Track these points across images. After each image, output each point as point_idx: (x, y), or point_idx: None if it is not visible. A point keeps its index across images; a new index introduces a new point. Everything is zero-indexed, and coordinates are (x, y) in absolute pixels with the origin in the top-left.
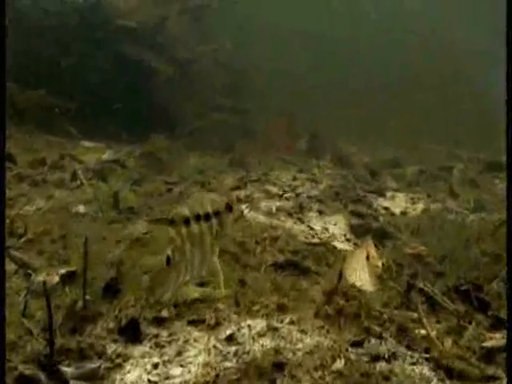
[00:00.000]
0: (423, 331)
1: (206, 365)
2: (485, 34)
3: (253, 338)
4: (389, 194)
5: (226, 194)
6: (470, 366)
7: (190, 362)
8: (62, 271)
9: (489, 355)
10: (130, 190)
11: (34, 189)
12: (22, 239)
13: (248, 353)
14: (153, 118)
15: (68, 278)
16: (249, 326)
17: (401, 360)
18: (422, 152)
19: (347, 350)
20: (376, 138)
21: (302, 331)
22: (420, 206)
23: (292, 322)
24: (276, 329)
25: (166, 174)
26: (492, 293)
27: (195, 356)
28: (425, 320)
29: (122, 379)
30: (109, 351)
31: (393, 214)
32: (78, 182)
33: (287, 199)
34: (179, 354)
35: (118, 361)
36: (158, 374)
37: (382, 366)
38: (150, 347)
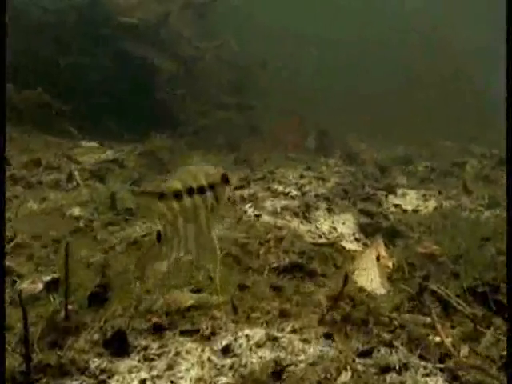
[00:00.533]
0: (437, 338)
1: (198, 380)
2: (485, 32)
3: (250, 349)
4: (399, 191)
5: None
6: (489, 377)
7: (182, 377)
8: (47, 278)
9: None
10: (128, 190)
11: (28, 191)
12: (11, 244)
13: (245, 366)
14: (156, 117)
15: (54, 286)
16: (247, 335)
17: (413, 371)
18: (434, 148)
19: (354, 361)
20: (386, 135)
21: (305, 340)
22: (432, 204)
23: (294, 331)
24: (276, 338)
25: (166, 173)
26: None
27: (187, 370)
28: (438, 326)
29: None
30: (92, 366)
31: (404, 212)
32: (74, 183)
33: (293, 198)
34: (170, 368)
35: (102, 377)
36: None
37: (392, 377)
38: (138, 361)
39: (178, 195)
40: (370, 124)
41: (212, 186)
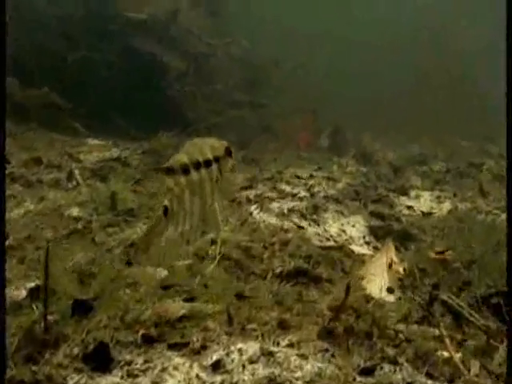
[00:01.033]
0: (446, 353)
1: None
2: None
3: (243, 365)
4: (413, 192)
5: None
6: None
7: None
8: (32, 284)
9: None
10: (131, 190)
11: (27, 190)
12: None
13: (236, 383)
14: (165, 115)
15: (37, 293)
16: (240, 349)
17: None
18: (450, 148)
19: (355, 380)
20: (401, 133)
21: (302, 356)
22: (447, 206)
23: (291, 345)
24: (271, 353)
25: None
26: None
27: None
28: (447, 340)
29: None
30: (70, 383)
31: (417, 215)
32: (74, 183)
33: (301, 199)
34: None
35: None
36: None
37: None
38: (121, 377)
39: (185, 170)
40: (385, 122)
41: (217, 159)
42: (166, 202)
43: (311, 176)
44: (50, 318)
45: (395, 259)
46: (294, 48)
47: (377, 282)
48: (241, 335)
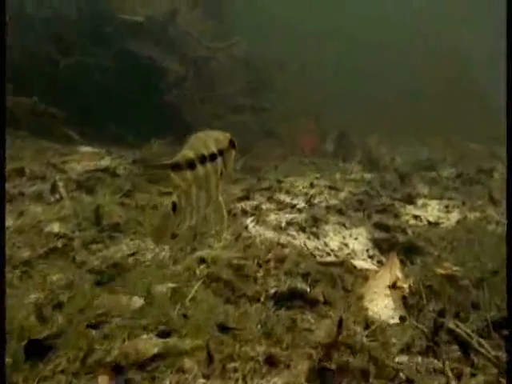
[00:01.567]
0: None
1: None
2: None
3: None
4: (420, 201)
5: (230, 205)
6: None
7: None
8: None
9: None
10: (118, 202)
11: (7, 204)
12: None
13: None
14: (163, 120)
15: None
16: None
17: None
18: (459, 151)
19: None
20: (409, 135)
21: None
22: (455, 215)
23: None
24: None
25: (165, 183)
26: None
27: None
28: (451, 378)
29: None
30: None
31: (423, 225)
32: (57, 196)
33: (300, 211)
34: None
35: None
36: None
37: None
38: None
39: (191, 164)
40: (392, 123)
41: (221, 152)
42: (175, 198)
43: (312, 185)
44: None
45: (399, 275)
46: (300, 47)
47: (379, 302)
48: (220, 377)
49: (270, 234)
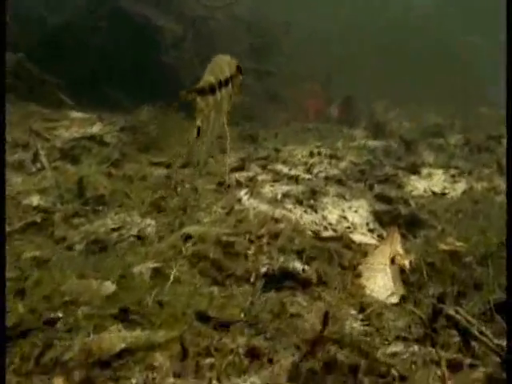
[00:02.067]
0: None
1: None
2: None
3: None
4: (425, 170)
5: (223, 176)
6: None
7: None
8: None
9: None
10: (105, 173)
11: None
12: None
13: None
14: (160, 84)
15: None
16: None
17: None
18: (469, 116)
19: None
20: (418, 101)
21: None
22: (461, 186)
23: None
24: None
25: (155, 152)
26: None
27: None
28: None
29: None
30: None
31: (428, 196)
32: (39, 165)
33: (298, 182)
34: None
35: None
36: None
37: None
38: None
39: (212, 89)
40: (401, 89)
41: (231, 77)
42: (199, 123)
43: (312, 154)
44: None
45: (400, 251)
46: (307, 8)
47: (377, 280)
48: (192, 374)
49: (264, 208)
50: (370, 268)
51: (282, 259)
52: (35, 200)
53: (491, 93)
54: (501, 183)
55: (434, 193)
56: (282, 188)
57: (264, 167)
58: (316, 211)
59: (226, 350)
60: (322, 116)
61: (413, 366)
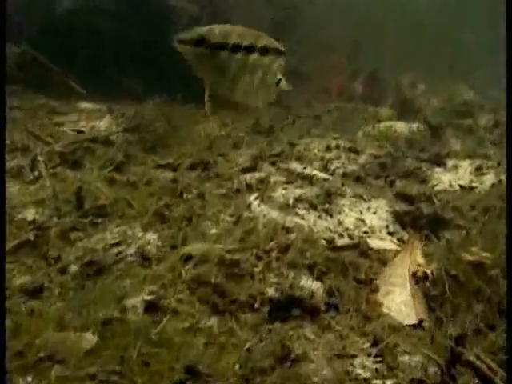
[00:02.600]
0: None
1: None
2: None
3: None
4: (450, 161)
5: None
6: None
7: None
8: None
9: None
10: (107, 178)
11: None
12: None
13: None
14: (176, 68)
15: None
16: None
17: None
18: (501, 93)
19: None
20: (446, 75)
21: None
22: (490, 178)
23: None
24: None
25: (162, 151)
26: None
27: None
28: None
29: None
30: None
31: (453, 191)
32: (37, 173)
33: (312, 183)
34: None
35: None
36: None
37: None
38: None
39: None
40: (430, 61)
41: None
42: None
43: (329, 148)
44: None
45: (421, 261)
46: None
47: (396, 296)
48: None
49: (274, 215)
50: (387, 282)
51: (291, 275)
52: (31, 214)
53: None
54: None
55: (460, 186)
56: (294, 191)
57: (277, 166)
58: (331, 215)
59: None
60: (346, 93)
61: None
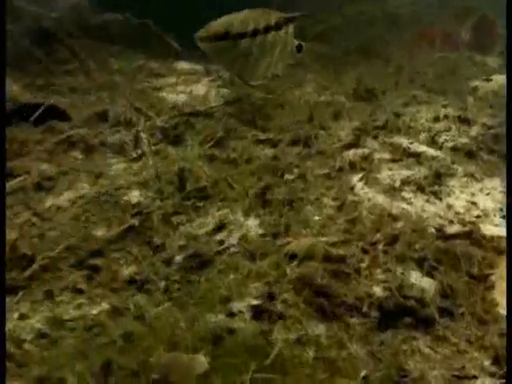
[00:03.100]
0: None
1: None
2: None
3: None
4: None
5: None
6: None
7: None
8: None
9: None
10: (207, 155)
11: (85, 160)
12: (27, 272)
13: None
14: None
15: None
16: None
17: None
18: None
19: None
20: None
21: None
22: None
23: None
24: None
25: (262, 123)
26: None
27: None
28: None
29: None
30: None
31: None
32: (140, 151)
33: (420, 161)
34: None
35: None
36: None
37: None
38: None
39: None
40: None
41: None
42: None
43: (437, 118)
44: None
45: None
46: None
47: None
48: None
49: (380, 199)
50: (504, 276)
51: (399, 274)
52: (135, 196)
53: None
54: None
55: None
56: (401, 172)
57: (381, 140)
58: (440, 199)
59: None
60: (453, 42)
61: None
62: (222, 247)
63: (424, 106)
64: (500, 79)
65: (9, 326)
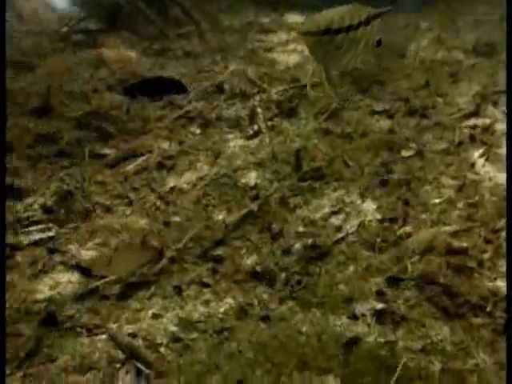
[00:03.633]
0: None
1: None
2: None
3: None
4: None
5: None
6: None
7: None
8: None
9: None
10: (322, 130)
11: (202, 136)
12: (158, 266)
13: None
14: None
15: None
16: None
17: None
18: None
19: None
20: None
21: None
22: None
23: None
24: None
25: (376, 90)
26: None
27: None
28: None
29: None
30: None
31: None
32: (256, 127)
33: None
34: None
35: None
36: None
37: None
38: None
39: None
40: None
41: None
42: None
43: None
44: None
45: None
46: None
47: None
48: None
49: (502, 178)
50: None
51: None
52: (252, 178)
53: None
54: None
55: None
56: None
57: (501, 109)
58: None
59: None
60: None
61: None
62: (341, 235)
63: None
64: None
65: (142, 325)
